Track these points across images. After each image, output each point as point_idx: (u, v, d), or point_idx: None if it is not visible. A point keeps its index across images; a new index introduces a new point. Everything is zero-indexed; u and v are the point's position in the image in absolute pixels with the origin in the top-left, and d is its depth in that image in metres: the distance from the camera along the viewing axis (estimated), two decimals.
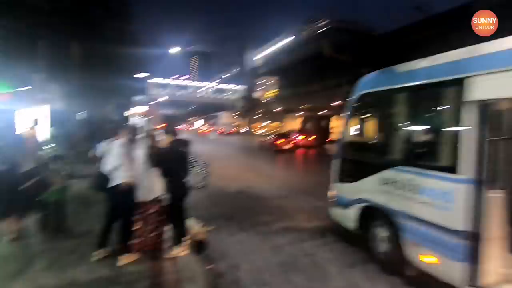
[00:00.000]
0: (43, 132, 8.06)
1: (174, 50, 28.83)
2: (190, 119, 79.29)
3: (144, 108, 31.87)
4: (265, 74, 54.53)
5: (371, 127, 3.90)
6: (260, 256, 3.81)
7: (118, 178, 3.02)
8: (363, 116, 3.98)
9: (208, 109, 70.42)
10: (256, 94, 58.14)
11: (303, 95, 46.99)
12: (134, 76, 31.15)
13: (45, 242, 3.73)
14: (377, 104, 3.75)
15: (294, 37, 47.44)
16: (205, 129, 51.03)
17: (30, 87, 9.00)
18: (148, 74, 32.94)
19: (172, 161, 3.23)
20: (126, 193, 3.02)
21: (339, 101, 38.19)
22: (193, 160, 3.31)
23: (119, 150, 3.13)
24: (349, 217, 3.84)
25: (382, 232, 3.42)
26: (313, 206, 6.16)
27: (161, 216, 3.47)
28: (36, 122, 7.36)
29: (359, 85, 3.99)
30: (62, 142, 7.52)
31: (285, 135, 21.64)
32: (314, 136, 23.52)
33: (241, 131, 56.96)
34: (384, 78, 3.67)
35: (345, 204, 3.93)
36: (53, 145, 6.93)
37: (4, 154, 3.67)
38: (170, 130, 3.42)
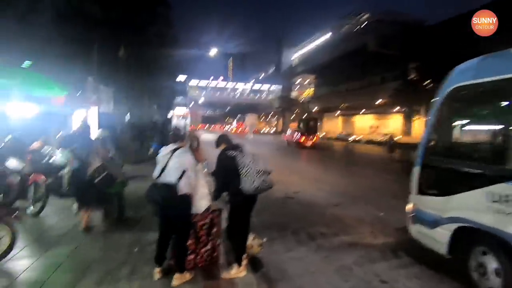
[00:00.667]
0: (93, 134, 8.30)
1: (213, 52, 29.21)
2: (226, 119, 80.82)
3: (185, 110, 32.86)
4: (302, 73, 53.40)
5: (470, 127, 3.13)
6: (325, 279, 3.26)
7: (182, 189, 2.67)
8: (457, 114, 3.22)
9: (244, 110, 71.20)
10: (293, 94, 57.27)
11: (342, 94, 45.07)
12: (176, 78, 32.22)
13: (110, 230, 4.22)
14: (480, 99, 2.98)
15: (331, 34, 45.76)
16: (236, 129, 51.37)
17: (81, 90, 9.39)
18: (186, 76, 33.84)
19: (226, 168, 2.95)
20: (186, 205, 2.69)
21: (383, 98, 35.99)
22: (249, 164, 2.82)
23: (183, 159, 2.78)
24: (438, 239, 3.11)
25: (491, 263, 2.67)
26: (374, 216, 5.45)
27: (213, 228, 3.11)
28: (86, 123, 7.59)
29: (452, 76, 3.21)
30: (110, 144, 7.60)
31: (308, 133, 23.27)
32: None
33: (266, 131, 56.11)
34: (491, 65, 2.88)
35: (431, 222, 3.21)
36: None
37: (78, 153, 4.12)
38: (221, 140, 3.25)
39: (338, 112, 50.98)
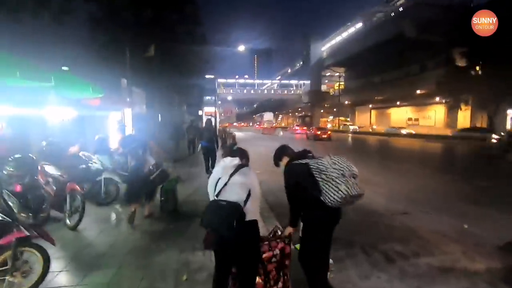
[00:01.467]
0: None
1: (241, 48, 28.75)
2: (254, 116, 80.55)
3: (213, 108, 32.75)
4: (332, 66, 51.30)
5: None
6: None
7: (250, 213, 2.00)
8: None
9: (272, 106, 70.28)
10: (322, 88, 55.37)
11: (376, 85, 42.59)
12: (205, 76, 32.20)
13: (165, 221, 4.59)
14: None
15: (363, 23, 43.23)
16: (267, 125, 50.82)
17: (115, 92, 9.24)
18: (214, 76, 33.78)
19: (300, 182, 2.31)
20: (255, 233, 2.03)
21: (424, 88, 33.27)
22: (329, 167, 2.17)
23: (249, 177, 2.12)
24: None
25: None
26: (458, 229, 4.48)
27: (285, 260, 2.42)
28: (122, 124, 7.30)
29: None
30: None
31: (322, 128, 29.24)
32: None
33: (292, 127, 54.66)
34: None
35: None
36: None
37: (136, 153, 4.39)
38: (282, 153, 2.71)
39: (370, 105, 48.46)
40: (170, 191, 4.83)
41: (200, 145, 7.95)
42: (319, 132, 26.42)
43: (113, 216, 4.69)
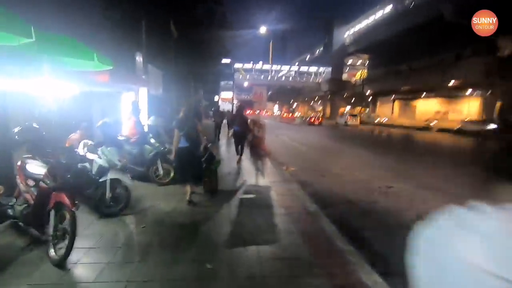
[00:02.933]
0: (144, 119, 6.88)
1: (262, 29, 27.00)
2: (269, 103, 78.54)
3: (231, 94, 31.45)
4: (355, 52, 48.47)
5: None
6: None
7: None
8: None
9: (287, 94, 68.24)
10: (343, 76, 52.69)
11: (403, 74, 39.79)
12: (221, 61, 30.72)
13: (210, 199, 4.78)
14: None
15: (393, 6, 40.08)
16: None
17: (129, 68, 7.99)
18: (230, 60, 32.25)
19: None
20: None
21: (458, 78, 30.62)
22: None
23: None
24: None
25: None
26: None
27: None
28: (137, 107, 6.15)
29: None
30: (162, 133, 6.18)
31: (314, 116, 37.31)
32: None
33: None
34: None
35: None
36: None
37: (188, 134, 4.26)
38: None
39: (393, 95, 45.76)
40: (214, 172, 4.96)
41: (232, 130, 8.17)
42: (312, 120, 34.08)
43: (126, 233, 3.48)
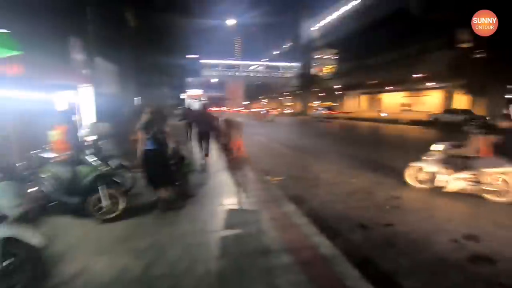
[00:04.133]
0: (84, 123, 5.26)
1: (230, 22, 25.48)
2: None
3: (198, 91, 29.52)
4: (323, 47, 48.60)
5: None
6: None
7: None
8: None
9: (256, 90, 67.22)
10: (312, 71, 52.71)
11: (370, 68, 40.53)
12: (186, 55, 28.72)
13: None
14: None
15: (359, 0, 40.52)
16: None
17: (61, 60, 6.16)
18: (198, 56, 30.37)
19: None
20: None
21: (423, 72, 31.58)
22: None
23: None
24: None
25: None
26: None
27: None
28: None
29: None
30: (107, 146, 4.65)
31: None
32: None
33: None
34: None
35: None
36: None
37: (155, 136, 4.02)
38: None
39: (361, 89, 46.66)
40: (185, 176, 4.76)
41: (196, 130, 7.98)
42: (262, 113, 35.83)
43: None
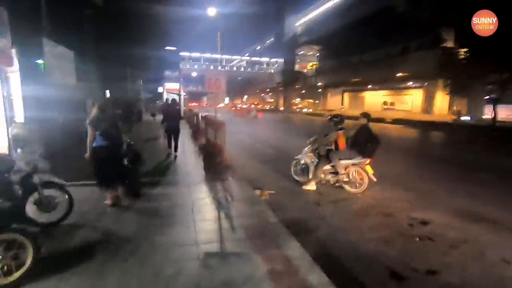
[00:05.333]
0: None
1: (211, 11, 23.75)
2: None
3: (176, 84, 27.61)
4: (306, 43, 47.80)
5: None
6: None
7: None
8: None
9: (238, 86, 65.53)
10: (296, 67, 51.88)
11: (354, 66, 40.19)
12: (165, 48, 26.77)
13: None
14: None
15: None
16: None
17: None
18: (176, 48, 28.51)
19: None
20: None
21: (403, 71, 31.51)
22: None
23: None
24: None
25: None
26: None
27: None
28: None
29: None
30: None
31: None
32: None
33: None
34: None
35: None
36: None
37: (106, 132, 3.79)
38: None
39: (344, 87, 46.48)
40: (137, 172, 4.44)
41: (165, 125, 7.87)
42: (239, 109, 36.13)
43: None
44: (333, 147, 5.41)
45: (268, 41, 59.18)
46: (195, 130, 11.89)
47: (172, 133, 7.79)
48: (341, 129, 5.36)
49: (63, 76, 8.47)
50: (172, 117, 7.79)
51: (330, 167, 5.35)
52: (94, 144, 3.77)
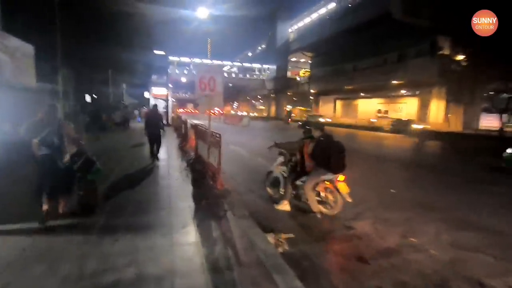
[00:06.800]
0: None
1: (201, 13, 22.39)
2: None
3: (164, 90, 25.96)
4: (299, 50, 46.96)
5: None
6: None
7: None
8: None
9: (230, 92, 64.11)
10: (288, 74, 50.90)
11: (348, 74, 39.51)
12: (154, 52, 25.20)
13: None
14: None
15: (336, 2, 39.47)
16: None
17: None
18: (164, 52, 27.04)
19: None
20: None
21: (400, 78, 30.88)
22: None
23: None
24: None
25: None
26: None
27: None
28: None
29: None
30: None
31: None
32: None
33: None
34: None
35: None
36: None
37: (48, 140, 3.56)
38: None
39: (336, 95, 45.83)
40: (90, 183, 4.04)
41: (146, 131, 7.90)
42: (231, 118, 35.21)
43: None
44: (298, 156, 4.63)
45: (260, 48, 58.29)
46: (182, 141, 10.33)
47: (154, 140, 7.83)
48: (310, 137, 4.50)
49: (17, 74, 6.80)
50: (153, 124, 7.77)
51: (301, 182, 4.47)
52: (40, 152, 3.50)
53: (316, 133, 4.40)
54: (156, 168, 7.02)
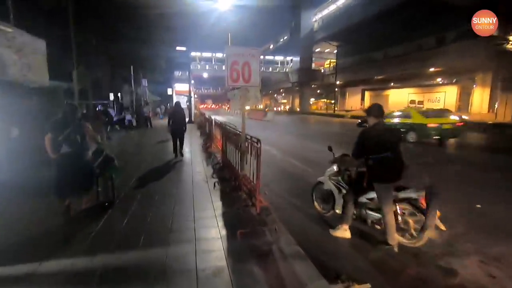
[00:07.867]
0: None
1: (224, 5, 21.46)
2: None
3: (187, 86, 25.48)
4: (324, 39, 44.70)
5: None
6: None
7: None
8: None
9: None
10: (312, 65, 48.80)
11: (378, 63, 36.98)
12: (177, 48, 24.61)
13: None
14: None
15: None
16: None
17: None
18: (185, 48, 26.39)
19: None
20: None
21: (439, 65, 28.23)
22: None
23: None
24: None
25: None
26: None
27: None
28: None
29: None
30: None
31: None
32: None
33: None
34: None
35: None
36: None
37: (70, 138, 3.66)
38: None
39: (365, 85, 43.29)
40: (109, 179, 4.21)
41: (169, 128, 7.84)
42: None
43: None
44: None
45: (282, 39, 56.37)
46: (206, 142, 9.45)
47: (177, 136, 7.76)
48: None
49: (27, 72, 6.16)
50: (177, 120, 7.70)
51: (367, 200, 3.38)
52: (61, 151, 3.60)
53: (371, 121, 3.21)
54: (179, 173, 6.17)
